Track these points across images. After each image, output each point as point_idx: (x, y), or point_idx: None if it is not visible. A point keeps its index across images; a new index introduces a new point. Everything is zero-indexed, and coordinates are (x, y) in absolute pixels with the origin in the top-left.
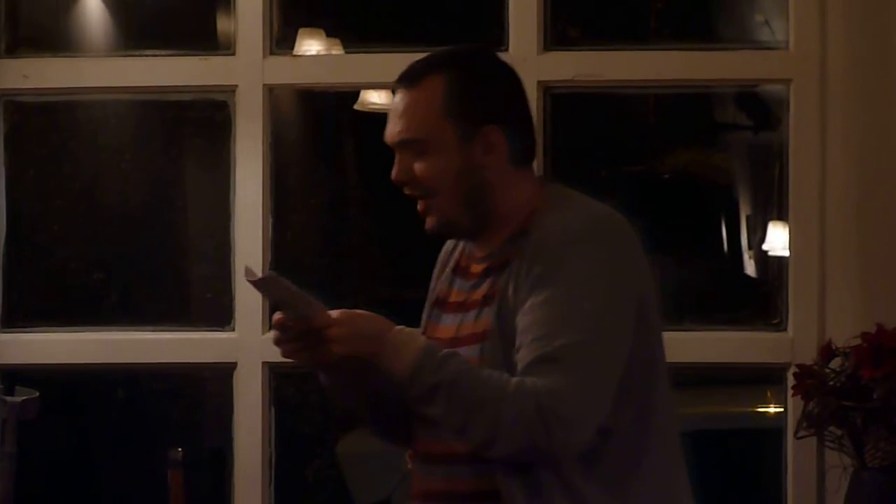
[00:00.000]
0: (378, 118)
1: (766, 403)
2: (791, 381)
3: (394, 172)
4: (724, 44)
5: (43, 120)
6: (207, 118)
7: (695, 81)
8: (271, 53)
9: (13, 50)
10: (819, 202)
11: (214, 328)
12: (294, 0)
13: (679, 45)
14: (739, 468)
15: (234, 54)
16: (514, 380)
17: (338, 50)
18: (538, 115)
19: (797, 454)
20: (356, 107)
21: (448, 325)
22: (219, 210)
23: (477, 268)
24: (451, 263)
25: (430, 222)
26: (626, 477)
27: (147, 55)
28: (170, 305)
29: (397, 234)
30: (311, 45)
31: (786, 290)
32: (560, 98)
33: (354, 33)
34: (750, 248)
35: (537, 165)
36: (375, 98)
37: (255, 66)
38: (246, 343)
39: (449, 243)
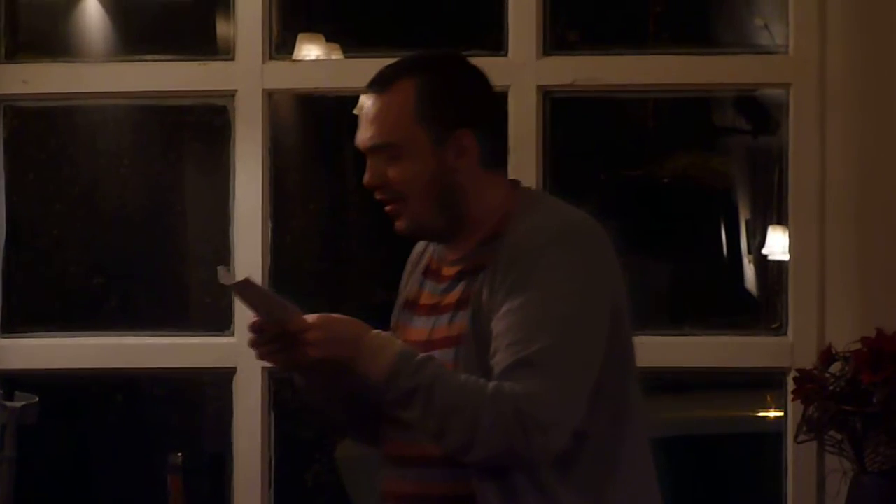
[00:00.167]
0: None
1: (766, 408)
2: (791, 385)
3: (366, 177)
4: (724, 48)
5: (42, 125)
6: (207, 123)
7: (694, 86)
8: (271, 58)
9: (13, 55)
10: (818, 206)
11: (214, 333)
12: (293, 5)
13: (678, 50)
14: (739, 473)
15: (233, 59)
16: (492, 384)
17: (337, 55)
18: (538, 120)
19: (797, 458)
20: (355, 112)
21: (420, 327)
22: (218, 215)
23: (449, 271)
24: (422, 265)
25: (400, 225)
26: (602, 481)
27: (146, 60)
28: (169, 310)
29: (396, 238)
30: (310, 50)
31: (785, 294)
32: (559, 102)
33: (354, 38)
34: (749, 252)
35: (537, 169)
36: None
37: (254, 71)
38: (245, 348)
39: (419, 245)
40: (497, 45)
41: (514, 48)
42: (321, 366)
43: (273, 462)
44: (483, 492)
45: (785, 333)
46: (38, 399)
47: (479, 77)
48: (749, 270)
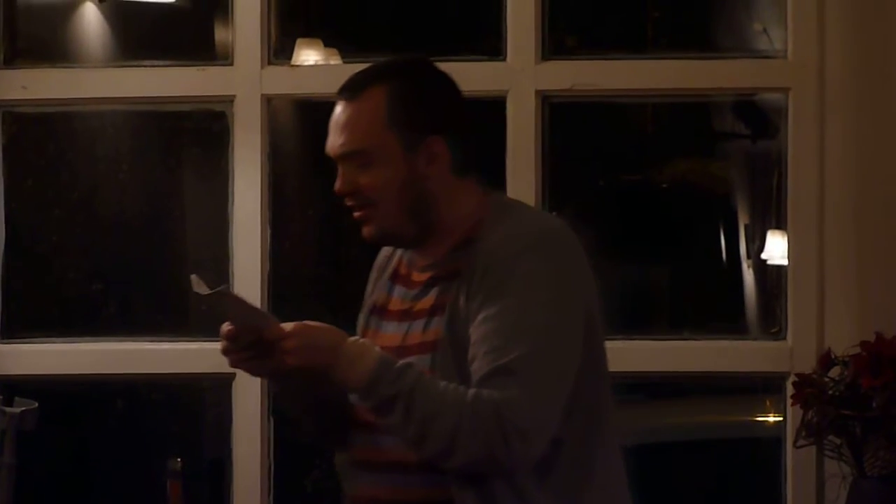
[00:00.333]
0: None
1: (766, 412)
2: (790, 390)
3: (337, 184)
4: (723, 53)
5: (41, 130)
6: (206, 129)
7: (693, 90)
8: (269, 63)
9: (11, 61)
10: (818, 211)
11: (213, 338)
12: (292, 10)
13: (677, 55)
14: (739, 477)
15: (231, 65)
16: (471, 391)
17: (336, 60)
18: (536, 125)
19: (796, 463)
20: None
21: (392, 333)
22: (217, 220)
23: (420, 276)
24: (389, 270)
25: (368, 231)
26: (579, 487)
27: (145, 66)
28: (168, 316)
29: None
30: (309, 55)
31: (785, 299)
32: (558, 107)
33: (352, 43)
34: (749, 257)
35: (535, 174)
36: None
37: (253, 77)
38: None
39: (385, 249)
40: (496, 49)
41: (512, 53)
42: (296, 373)
43: (272, 468)
44: (462, 498)
45: (784, 338)
46: (37, 405)
47: (449, 83)
48: (748, 275)
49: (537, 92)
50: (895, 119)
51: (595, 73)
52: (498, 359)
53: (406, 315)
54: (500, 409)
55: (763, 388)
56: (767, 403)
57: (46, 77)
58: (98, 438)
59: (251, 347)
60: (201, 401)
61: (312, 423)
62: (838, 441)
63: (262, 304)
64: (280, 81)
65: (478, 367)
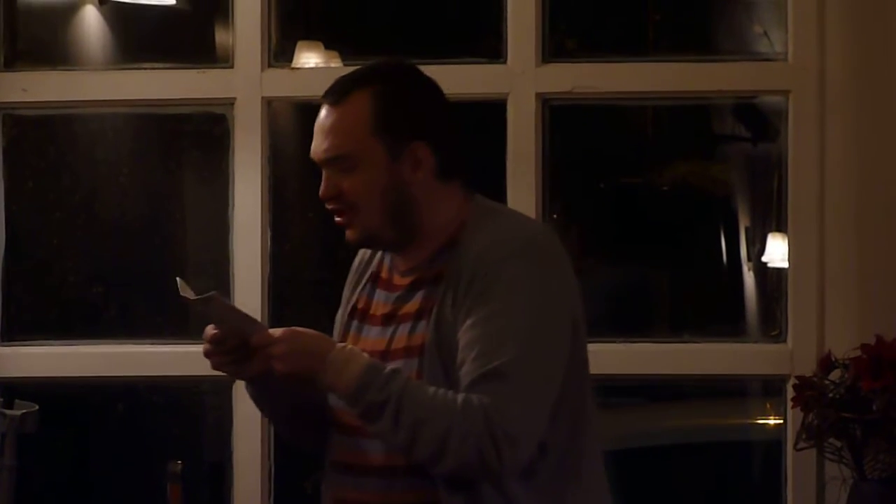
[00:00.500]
0: None
1: (766, 415)
2: (790, 392)
3: (321, 189)
4: (723, 55)
5: (41, 133)
6: (206, 131)
7: (693, 93)
8: (269, 66)
9: (12, 63)
10: (818, 213)
11: None
12: (292, 13)
13: (677, 57)
14: (739, 480)
15: (232, 67)
16: (461, 396)
17: (336, 62)
18: (536, 127)
19: (797, 466)
20: None
21: (376, 337)
22: (217, 223)
23: (402, 280)
24: (368, 273)
25: (350, 234)
26: (564, 490)
27: (145, 68)
28: (169, 318)
29: None
30: (309, 58)
31: (785, 301)
32: (558, 110)
33: (353, 45)
34: (749, 259)
35: (535, 177)
36: None
37: (253, 79)
38: None
39: (362, 251)
40: (496, 52)
41: (512, 55)
42: (280, 378)
43: (272, 470)
44: (450, 502)
45: (784, 340)
46: (37, 407)
47: (434, 88)
48: (748, 278)
49: (537, 94)
50: (895, 121)
51: (595, 75)
52: (486, 364)
53: (390, 319)
54: (490, 413)
55: (763, 390)
56: (768, 406)
57: (47, 79)
58: (98, 441)
59: (234, 351)
60: (201, 403)
61: (288, 426)
62: (839, 444)
63: (262, 306)
64: (280, 84)
65: (466, 372)
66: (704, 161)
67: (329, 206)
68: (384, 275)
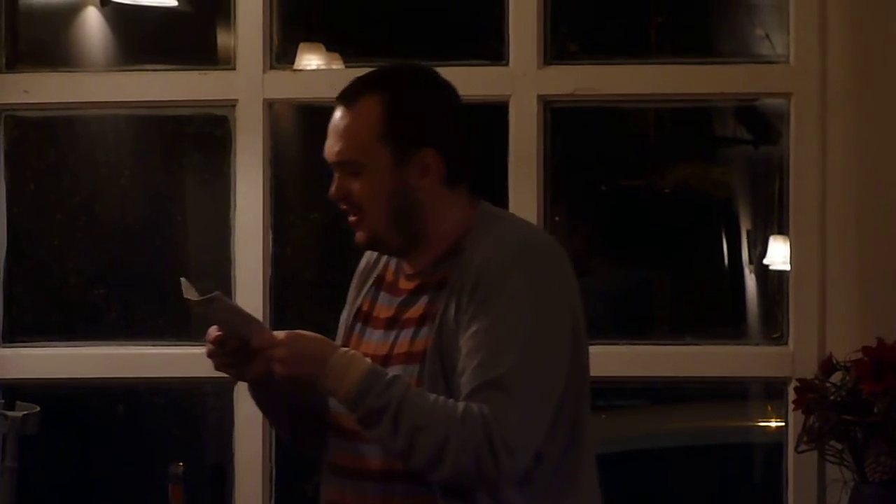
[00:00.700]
0: None
1: (767, 418)
2: (792, 395)
3: (332, 190)
4: (725, 58)
5: (43, 135)
6: (207, 133)
7: (695, 95)
8: (271, 68)
9: (13, 65)
10: (819, 216)
11: None
12: (294, 14)
13: (679, 60)
14: (740, 483)
15: (234, 69)
16: (461, 405)
17: (338, 64)
18: (538, 130)
19: (798, 468)
20: None
21: (378, 340)
22: (219, 225)
23: (407, 284)
24: (374, 276)
25: (359, 237)
26: (560, 497)
27: (147, 70)
28: (170, 320)
29: None
30: (311, 60)
31: (786, 304)
32: (560, 112)
33: (354, 47)
34: (750, 262)
35: (537, 179)
36: None
37: (255, 81)
38: None
39: (368, 254)
40: (498, 54)
41: (514, 58)
42: (282, 380)
43: (274, 472)
44: None
45: (786, 343)
46: (39, 409)
47: (448, 94)
48: (750, 280)
49: (539, 97)
50: None
51: (597, 78)
52: (487, 373)
53: (393, 323)
54: (489, 422)
55: (765, 393)
56: (769, 408)
57: (48, 81)
58: (100, 442)
59: (236, 352)
60: (203, 405)
61: (289, 429)
62: (840, 446)
63: (263, 308)
64: (282, 86)
65: (467, 381)
66: (706, 163)
67: (341, 207)
68: (389, 278)
